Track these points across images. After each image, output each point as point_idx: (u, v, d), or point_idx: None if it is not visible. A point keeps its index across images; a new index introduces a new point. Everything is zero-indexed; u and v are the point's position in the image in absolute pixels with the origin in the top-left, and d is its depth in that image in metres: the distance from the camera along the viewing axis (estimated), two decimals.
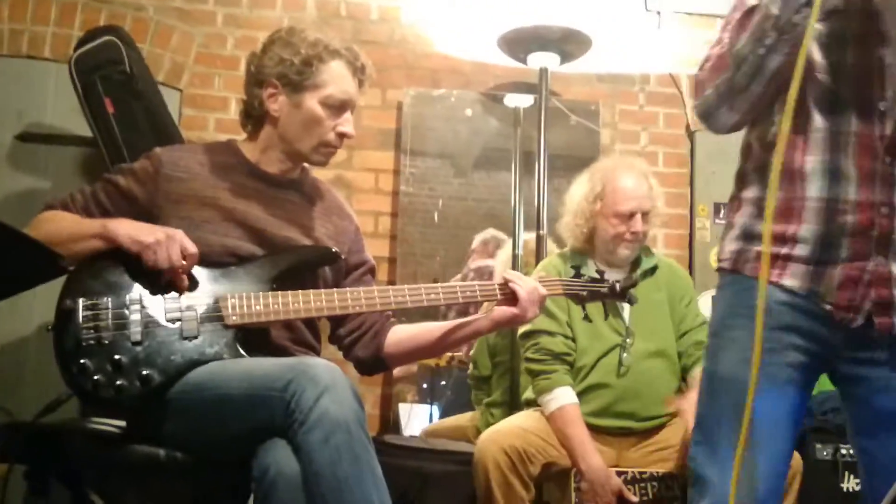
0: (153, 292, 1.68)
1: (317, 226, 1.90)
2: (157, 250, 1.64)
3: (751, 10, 1.36)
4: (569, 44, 3.15)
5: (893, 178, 1.41)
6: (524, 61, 3.23)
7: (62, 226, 1.75)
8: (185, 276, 1.68)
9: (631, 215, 2.50)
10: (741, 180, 1.58)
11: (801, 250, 1.44)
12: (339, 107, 1.83)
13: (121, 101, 2.87)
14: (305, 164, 1.94)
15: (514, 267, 3.13)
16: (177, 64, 3.43)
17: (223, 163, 1.86)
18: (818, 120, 1.43)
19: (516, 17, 3.13)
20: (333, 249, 1.85)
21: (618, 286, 1.92)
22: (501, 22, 3.16)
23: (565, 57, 3.20)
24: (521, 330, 2.54)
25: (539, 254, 3.03)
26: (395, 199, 3.50)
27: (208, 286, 1.72)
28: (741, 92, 1.42)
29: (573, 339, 2.50)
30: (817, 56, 1.42)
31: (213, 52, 3.46)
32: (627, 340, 2.48)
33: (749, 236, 1.52)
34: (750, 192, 1.53)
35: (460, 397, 3.37)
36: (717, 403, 1.48)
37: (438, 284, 1.82)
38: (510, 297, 1.81)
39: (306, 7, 3.54)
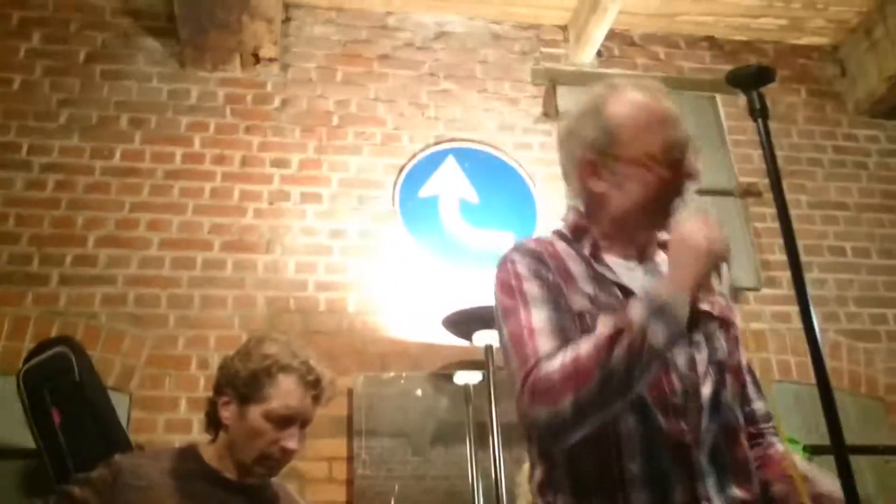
0: None
1: None
2: None
3: (619, 333, 1.31)
4: None
5: (704, 471, 1.37)
6: (469, 340, 3.35)
7: None
8: None
9: None
10: (549, 488, 1.45)
11: None
12: (281, 421, 1.86)
13: (68, 410, 2.84)
14: None
15: None
16: (127, 367, 3.44)
17: (184, 470, 1.87)
18: (630, 422, 1.38)
19: (459, 299, 3.29)
20: None
21: None
22: (445, 305, 3.32)
23: None
24: None
25: None
26: (349, 487, 3.41)
27: None
28: (606, 407, 1.33)
29: None
30: None
31: (165, 353, 3.49)
32: None
33: None
34: (565, 500, 1.42)
35: None
36: None
37: None
38: None
39: (257, 304, 3.64)
